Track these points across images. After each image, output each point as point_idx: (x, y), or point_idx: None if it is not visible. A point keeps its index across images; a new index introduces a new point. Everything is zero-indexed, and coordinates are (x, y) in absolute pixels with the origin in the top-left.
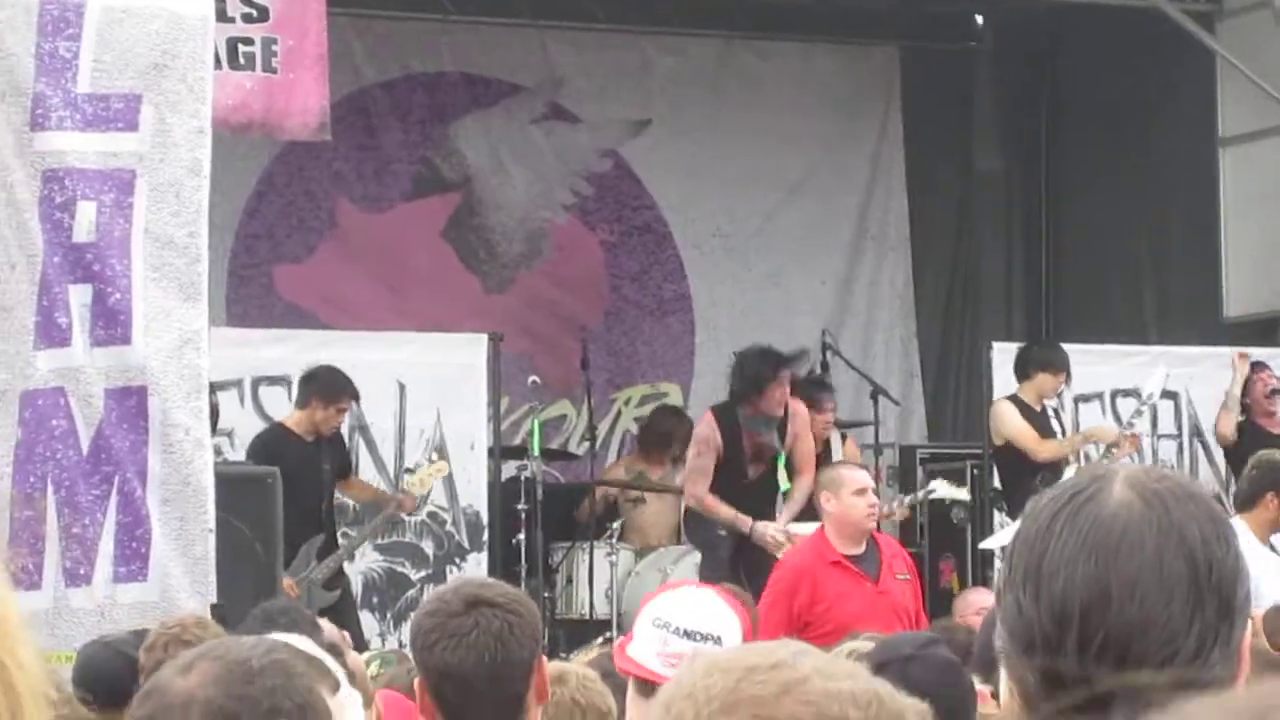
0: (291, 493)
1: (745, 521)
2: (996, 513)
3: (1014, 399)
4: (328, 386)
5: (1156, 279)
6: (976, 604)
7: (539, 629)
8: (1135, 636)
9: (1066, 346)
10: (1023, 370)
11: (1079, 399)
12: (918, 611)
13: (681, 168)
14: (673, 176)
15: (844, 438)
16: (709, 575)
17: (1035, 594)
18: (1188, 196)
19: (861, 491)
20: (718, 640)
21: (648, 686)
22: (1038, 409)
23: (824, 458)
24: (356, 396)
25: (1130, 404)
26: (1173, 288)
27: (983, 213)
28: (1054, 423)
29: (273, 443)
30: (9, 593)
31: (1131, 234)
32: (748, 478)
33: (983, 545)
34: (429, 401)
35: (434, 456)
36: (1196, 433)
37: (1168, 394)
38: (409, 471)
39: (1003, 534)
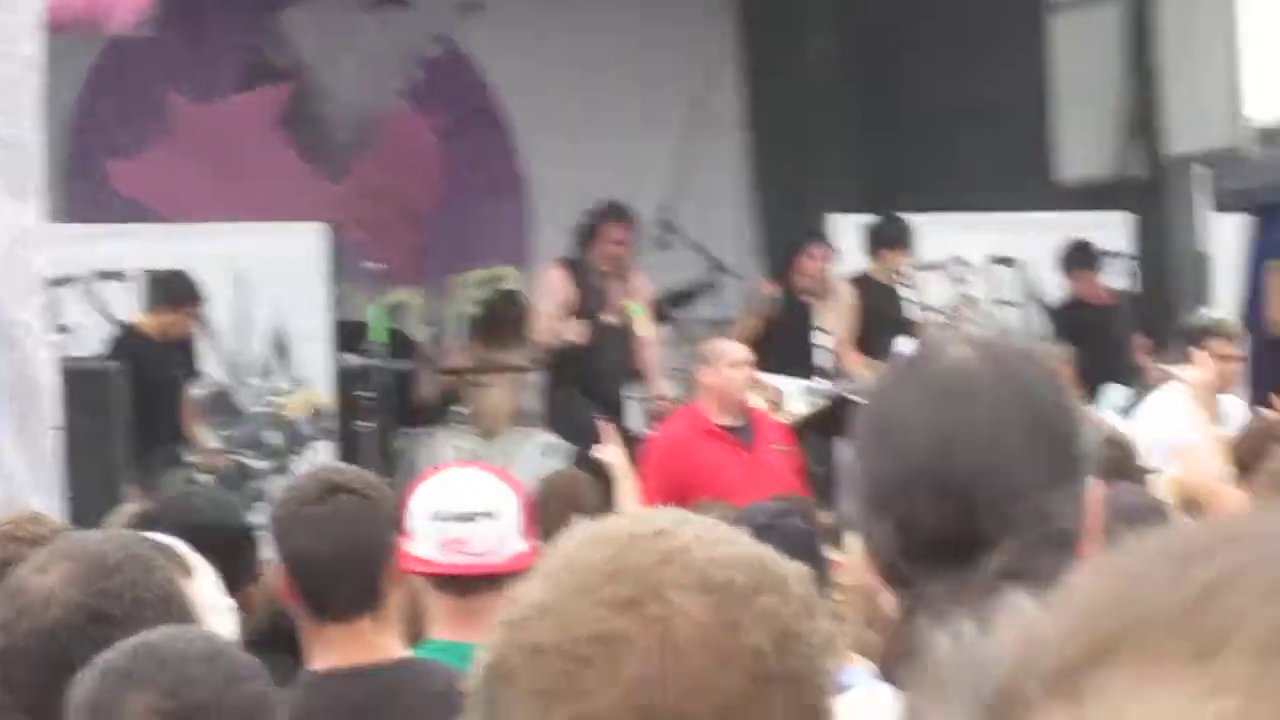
0: (146, 393)
1: None
2: None
3: (864, 278)
4: (173, 291)
5: (991, 146)
6: None
7: (395, 513)
8: (981, 478)
9: (905, 216)
10: (871, 248)
11: (920, 268)
12: (798, 487)
13: (514, 50)
14: (505, 59)
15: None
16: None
17: (883, 450)
18: (1021, 64)
19: (737, 364)
20: (495, 515)
21: (443, 580)
22: (887, 285)
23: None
24: (200, 300)
25: (968, 273)
26: (1007, 155)
27: (818, 86)
28: (904, 297)
29: (124, 343)
30: None
31: (965, 102)
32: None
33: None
34: (269, 292)
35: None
36: (1035, 298)
37: (1004, 260)
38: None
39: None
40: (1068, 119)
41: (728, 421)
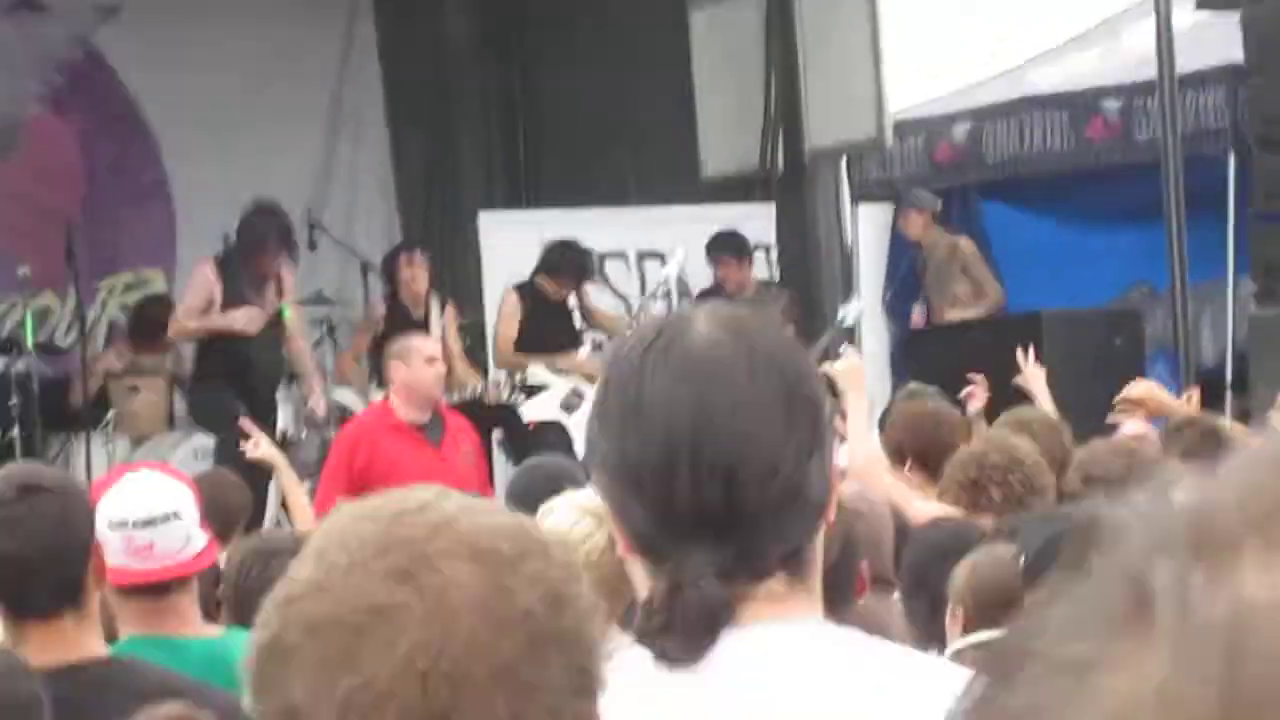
0: None
1: None
2: None
3: (526, 289)
4: None
5: (635, 141)
6: None
7: (92, 511)
8: (740, 454)
9: (551, 212)
10: (544, 268)
11: None
12: (481, 485)
13: (153, 53)
14: (144, 62)
15: (443, 305)
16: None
17: (638, 430)
18: (662, 57)
19: (431, 360)
20: (178, 515)
21: (139, 589)
22: (556, 301)
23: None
24: None
25: (618, 266)
26: (652, 149)
27: (459, 82)
28: (575, 316)
29: None
30: None
31: (608, 96)
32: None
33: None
34: None
35: None
36: (685, 291)
37: (653, 254)
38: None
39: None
40: (710, 113)
41: (415, 418)
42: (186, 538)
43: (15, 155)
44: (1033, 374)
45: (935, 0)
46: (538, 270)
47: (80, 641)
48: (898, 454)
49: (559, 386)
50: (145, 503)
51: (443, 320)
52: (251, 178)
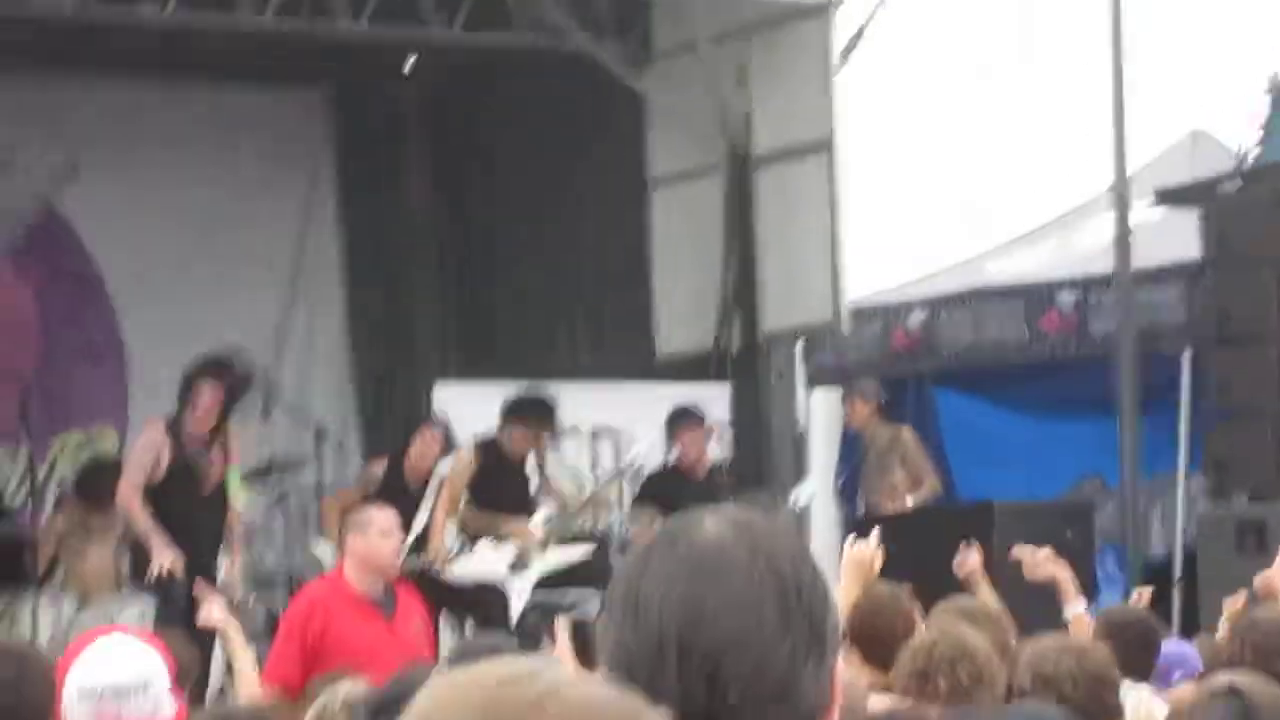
0: None
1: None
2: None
3: (486, 447)
4: None
5: (593, 317)
6: None
7: (52, 677)
8: (729, 652)
9: (508, 384)
10: (502, 418)
11: None
12: (431, 657)
13: (112, 213)
14: (104, 222)
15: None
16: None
17: (634, 622)
18: (621, 235)
19: (387, 533)
20: (147, 685)
21: None
22: (515, 460)
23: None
24: None
25: (572, 443)
26: (608, 326)
27: (417, 253)
28: (531, 482)
29: None
30: None
31: (568, 272)
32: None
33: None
34: None
35: None
36: (635, 467)
37: (608, 431)
38: None
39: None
40: (667, 292)
41: (369, 590)
42: (155, 707)
43: None
44: (971, 563)
45: (895, 188)
46: (505, 416)
47: None
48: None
49: (507, 549)
50: (116, 671)
51: (437, 495)
52: (207, 337)
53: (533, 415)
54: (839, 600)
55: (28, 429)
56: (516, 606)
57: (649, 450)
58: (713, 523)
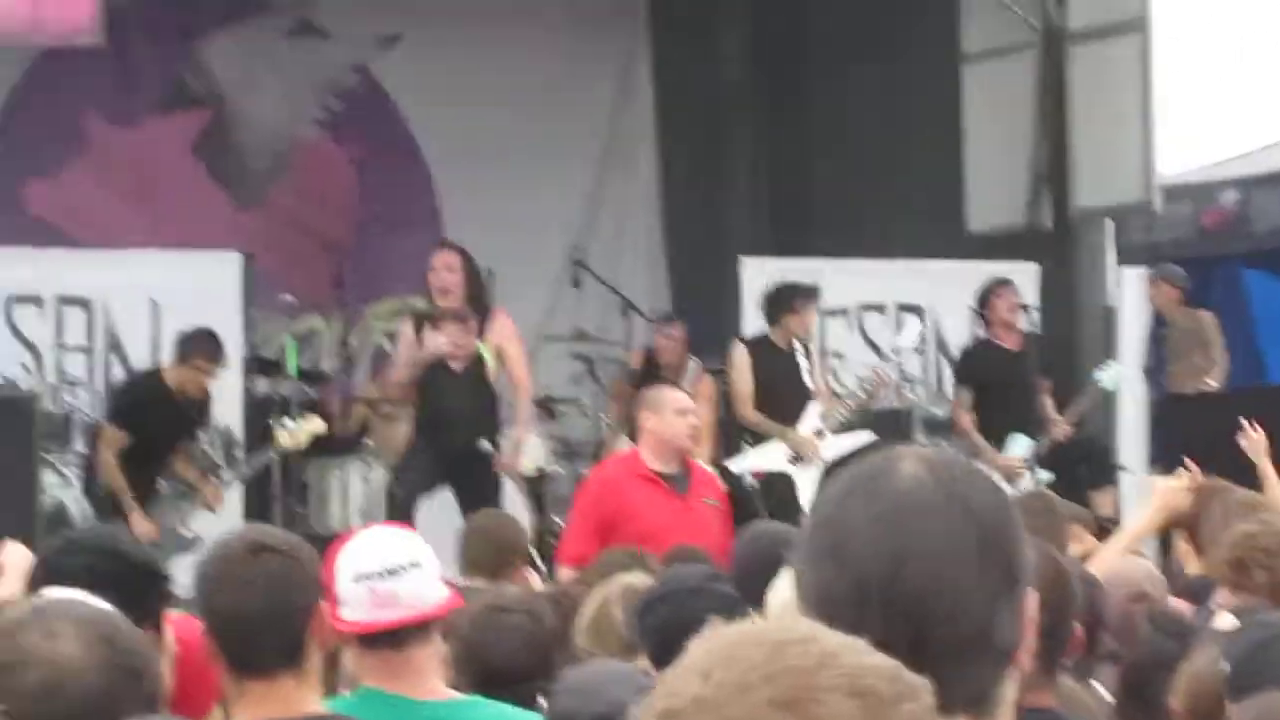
0: (156, 445)
1: None
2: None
3: (758, 342)
4: (187, 344)
5: (902, 193)
6: None
7: (319, 575)
8: (930, 598)
9: (814, 261)
10: (770, 315)
11: (826, 314)
12: (724, 538)
13: (431, 82)
14: (422, 91)
15: (698, 377)
16: None
17: (837, 566)
18: (932, 111)
19: (683, 412)
20: (419, 565)
21: (378, 637)
22: (785, 350)
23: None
24: (214, 358)
25: (876, 318)
26: (918, 202)
27: (730, 126)
28: (803, 365)
29: (146, 389)
30: None
31: (877, 148)
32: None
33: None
34: (182, 319)
35: (307, 415)
36: (941, 346)
37: (911, 308)
38: (284, 426)
39: (743, 459)
40: (978, 169)
41: (663, 469)
42: (429, 586)
43: (288, 178)
44: (1257, 444)
45: (1209, 67)
46: (775, 308)
47: (298, 700)
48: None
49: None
50: (386, 555)
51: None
52: (521, 210)
53: (787, 303)
54: (1137, 527)
55: (342, 297)
56: (807, 496)
57: (914, 338)
58: (909, 465)
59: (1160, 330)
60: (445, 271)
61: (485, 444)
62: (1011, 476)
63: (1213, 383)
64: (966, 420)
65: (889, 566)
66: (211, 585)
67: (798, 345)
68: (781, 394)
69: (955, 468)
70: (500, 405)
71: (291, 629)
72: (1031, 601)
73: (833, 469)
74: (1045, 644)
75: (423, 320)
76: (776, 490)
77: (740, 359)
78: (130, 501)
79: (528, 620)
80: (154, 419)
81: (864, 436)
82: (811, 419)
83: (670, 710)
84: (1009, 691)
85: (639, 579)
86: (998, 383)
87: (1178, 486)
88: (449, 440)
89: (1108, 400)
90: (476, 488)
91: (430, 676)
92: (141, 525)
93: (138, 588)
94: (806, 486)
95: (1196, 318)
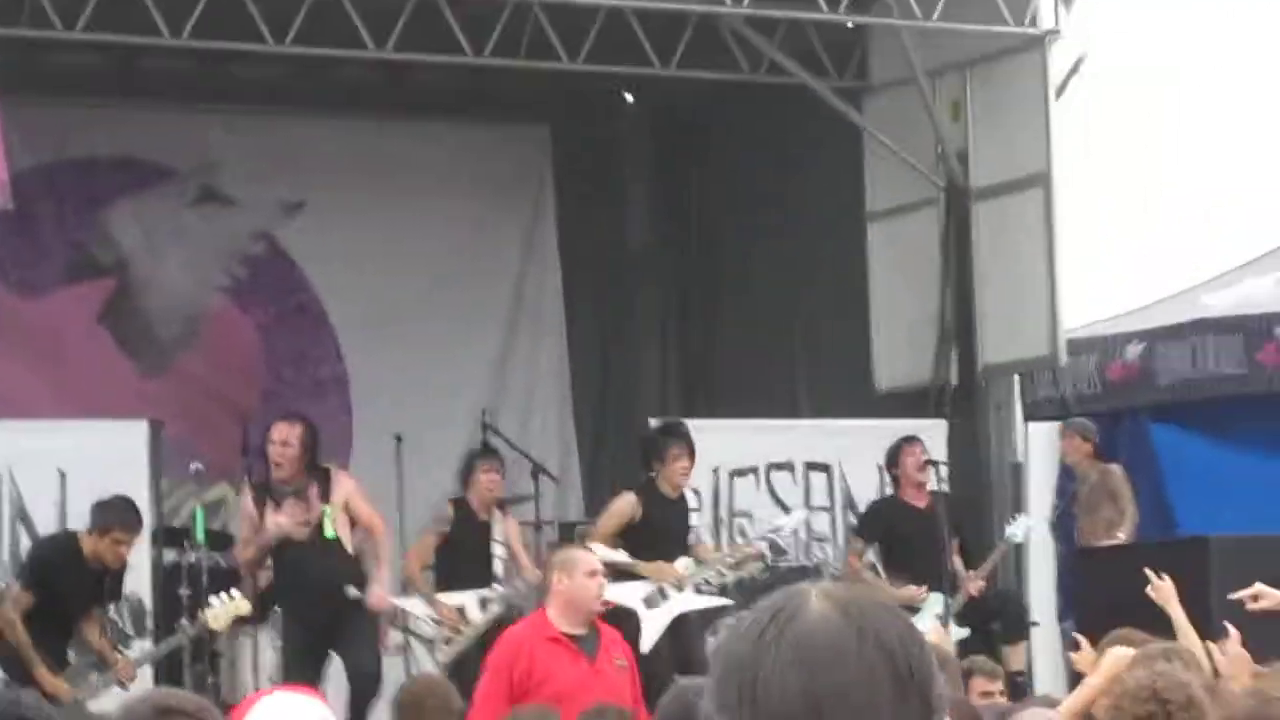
0: (66, 608)
1: None
2: None
3: (645, 489)
4: (103, 514)
5: (809, 353)
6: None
7: None
8: None
9: (719, 423)
10: (647, 462)
11: (734, 474)
12: (636, 699)
13: (336, 248)
14: (327, 257)
15: (503, 511)
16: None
17: (754, 714)
18: (837, 270)
19: (593, 574)
20: None
21: None
22: (674, 496)
23: (486, 530)
24: (130, 527)
25: (784, 478)
26: (825, 361)
27: (636, 289)
28: (692, 510)
29: (57, 550)
30: None
31: (783, 308)
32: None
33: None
34: (90, 487)
35: (234, 594)
36: (849, 504)
37: (818, 466)
38: (207, 605)
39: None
40: (885, 326)
41: (571, 630)
42: None
43: (197, 345)
44: (1166, 592)
45: (1110, 222)
46: (661, 449)
47: None
48: None
49: (644, 584)
50: None
51: (503, 526)
52: (428, 375)
53: (663, 444)
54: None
55: (250, 464)
56: (649, 638)
57: (793, 526)
58: (817, 603)
59: (1069, 484)
60: (280, 446)
61: (352, 590)
62: (911, 609)
63: (1123, 535)
64: (856, 563)
65: (806, 710)
66: None
67: (689, 495)
68: (660, 540)
69: (863, 602)
70: (355, 557)
71: None
72: None
73: (681, 622)
74: None
75: (263, 495)
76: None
77: (617, 502)
78: (35, 659)
79: None
80: (65, 582)
81: (720, 600)
82: (680, 566)
83: None
84: None
85: None
86: (904, 540)
87: (1124, 656)
88: (315, 605)
89: (1018, 554)
90: (354, 636)
91: None
92: (50, 683)
93: None
94: (652, 630)
95: (1107, 471)
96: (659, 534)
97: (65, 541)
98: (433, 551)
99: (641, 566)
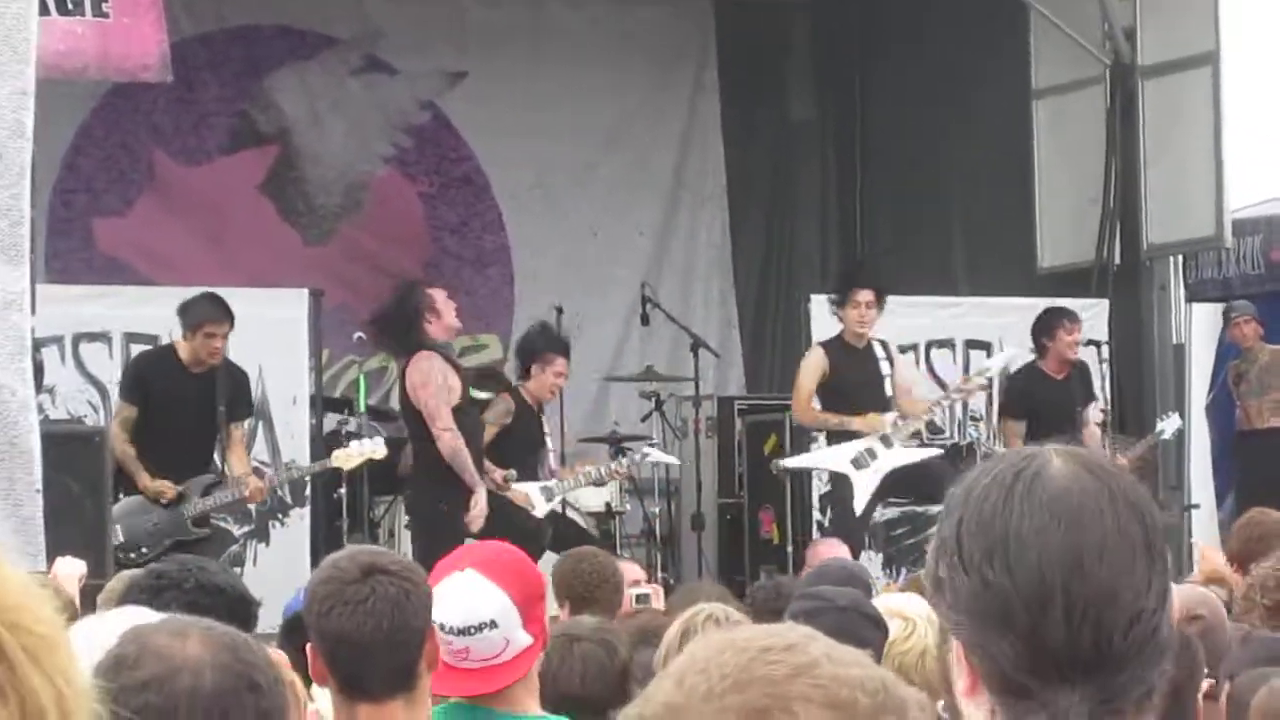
0: (171, 418)
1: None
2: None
3: (832, 343)
4: (189, 313)
5: (971, 231)
6: (825, 553)
7: (431, 599)
8: (1108, 599)
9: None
10: (835, 305)
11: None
12: None
13: (499, 119)
14: (490, 128)
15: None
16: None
17: (1007, 567)
18: (1002, 149)
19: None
20: (493, 625)
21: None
22: (860, 345)
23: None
24: (218, 319)
25: (944, 355)
26: (987, 239)
27: (799, 164)
28: (882, 358)
29: (153, 360)
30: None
31: (946, 186)
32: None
33: (783, 463)
34: (251, 356)
35: (376, 441)
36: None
37: (979, 344)
38: (343, 445)
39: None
40: (1048, 205)
41: None
42: (505, 643)
43: (360, 215)
44: None
45: (1277, 99)
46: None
47: None
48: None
49: (854, 444)
50: (462, 610)
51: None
52: (588, 246)
53: (845, 283)
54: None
55: None
56: (861, 499)
57: (1002, 365)
58: (1063, 463)
59: (1224, 368)
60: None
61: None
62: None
63: None
64: (1018, 445)
65: (1069, 566)
66: (323, 607)
67: (876, 346)
68: (853, 393)
69: (1108, 466)
70: None
71: (405, 653)
72: (1174, 598)
73: (893, 477)
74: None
75: None
76: (837, 491)
77: (806, 360)
78: (139, 467)
79: (600, 650)
80: (166, 391)
81: (933, 451)
82: (885, 425)
83: (642, 716)
84: (1162, 687)
85: (720, 608)
86: (1042, 411)
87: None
88: None
89: (1180, 440)
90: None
91: (519, 696)
92: (150, 486)
93: (238, 620)
94: (863, 491)
95: (1275, 350)
96: (852, 386)
97: (161, 350)
98: None
99: (854, 422)
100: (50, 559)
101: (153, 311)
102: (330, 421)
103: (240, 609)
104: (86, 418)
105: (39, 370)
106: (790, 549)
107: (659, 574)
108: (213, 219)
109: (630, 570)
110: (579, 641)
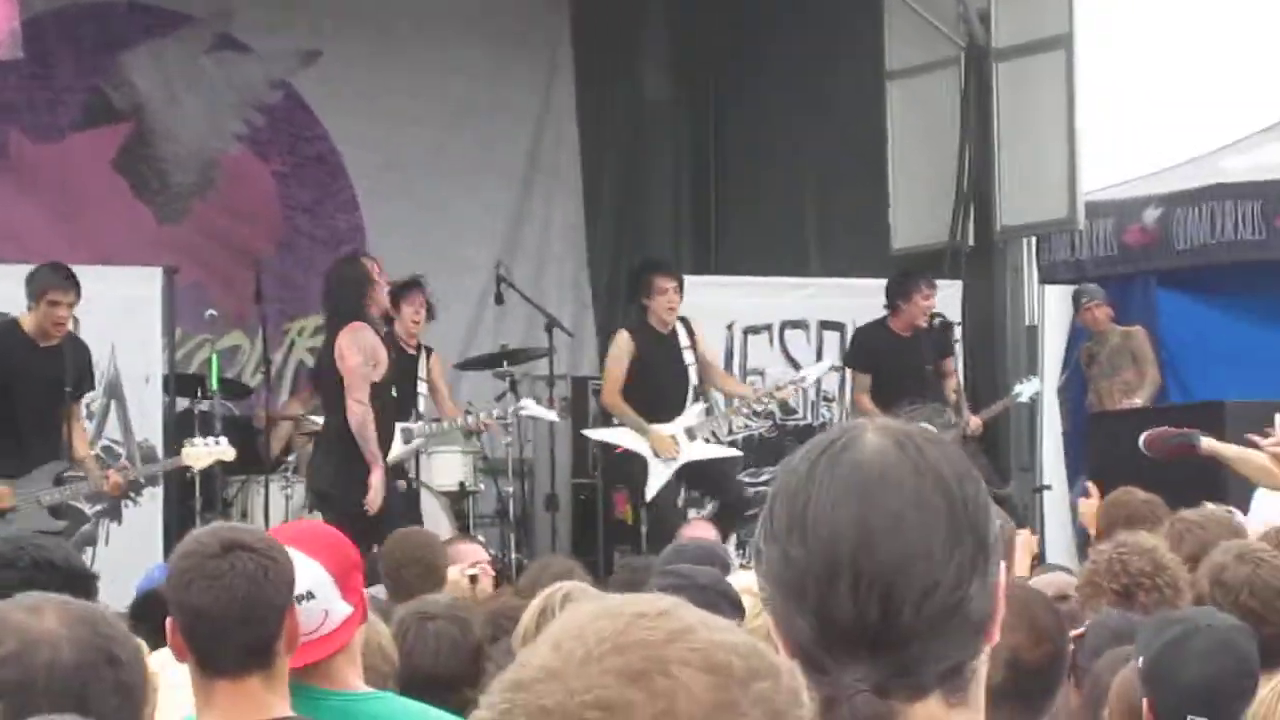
0: (19, 395)
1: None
2: None
3: (639, 329)
4: (33, 281)
5: (825, 211)
6: (692, 535)
7: (293, 577)
8: (902, 572)
9: (735, 279)
10: (635, 298)
11: (748, 330)
12: None
13: (352, 99)
14: (343, 108)
15: (429, 352)
16: None
17: (803, 541)
18: (856, 129)
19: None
20: (310, 595)
21: None
22: (665, 332)
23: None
24: (63, 287)
25: (798, 336)
26: (841, 220)
27: (653, 145)
28: (685, 346)
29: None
30: None
31: (800, 166)
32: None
33: (587, 433)
34: (104, 334)
35: (221, 440)
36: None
37: (833, 325)
38: (191, 444)
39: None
40: (902, 186)
41: None
42: (324, 614)
43: (212, 193)
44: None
45: (1129, 82)
46: (646, 277)
47: (266, 703)
48: None
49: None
50: None
51: (429, 363)
52: (441, 226)
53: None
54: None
55: (263, 312)
56: (653, 487)
57: (817, 376)
58: (874, 437)
59: (1090, 346)
60: None
61: None
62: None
63: (1140, 399)
64: (866, 401)
65: (858, 540)
66: (182, 581)
67: (679, 327)
68: (659, 381)
69: (919, 437)
70: None
71: (262, 629)
72: (1002, 572)
73: (690, 469)
74: (1037, 689)
75: None
76: (631, 470)
77: (618, 346)
78: None
79: (453, 627)
80: (10, 367)
81: (730, 450)
82: (689, 416)
83: (519, 681)
84: (982, 667)
85: (579, 586)
86: (886, 368)
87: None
88: None
89: (1030, 419)
90: None
91: (340, 667)
92: None
93: (78, 596)
94: (656, 479)
95: (1129, 334)
96: (657, 374)
97: (5, 324)
98: None
99: (650, 435)
100: None
101: (4, 290)
102: (182, 400)
103: (79, 584)
104: None
105: None
106: (644, 529)
107: (513, 554)
108: (66, 196)
109: (471, 550)
110: (433, 619)
